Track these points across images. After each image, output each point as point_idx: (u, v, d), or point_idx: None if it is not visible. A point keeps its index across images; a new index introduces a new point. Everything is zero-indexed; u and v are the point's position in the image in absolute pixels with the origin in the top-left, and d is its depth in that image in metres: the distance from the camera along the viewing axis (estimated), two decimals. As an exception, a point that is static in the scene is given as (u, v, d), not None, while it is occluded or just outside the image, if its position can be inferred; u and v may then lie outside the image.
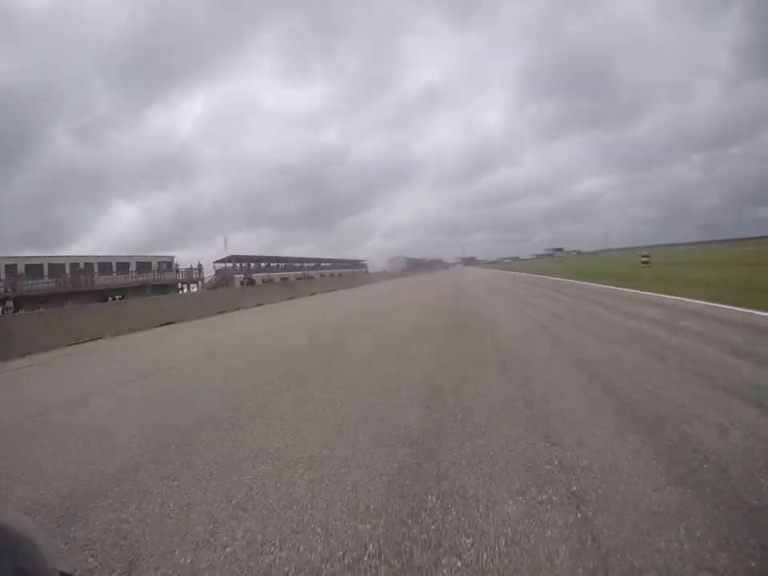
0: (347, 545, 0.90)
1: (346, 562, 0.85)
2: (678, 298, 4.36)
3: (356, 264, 55.25)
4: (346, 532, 0.95)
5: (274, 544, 0.93)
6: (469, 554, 0.83)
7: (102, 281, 18.13)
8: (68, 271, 17.07)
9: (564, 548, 0.83)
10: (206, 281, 24.15)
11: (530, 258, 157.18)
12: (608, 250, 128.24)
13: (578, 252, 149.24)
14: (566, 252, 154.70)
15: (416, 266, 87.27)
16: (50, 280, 16.36)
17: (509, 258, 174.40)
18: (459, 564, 0.81)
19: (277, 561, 0.87)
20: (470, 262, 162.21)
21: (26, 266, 16.50)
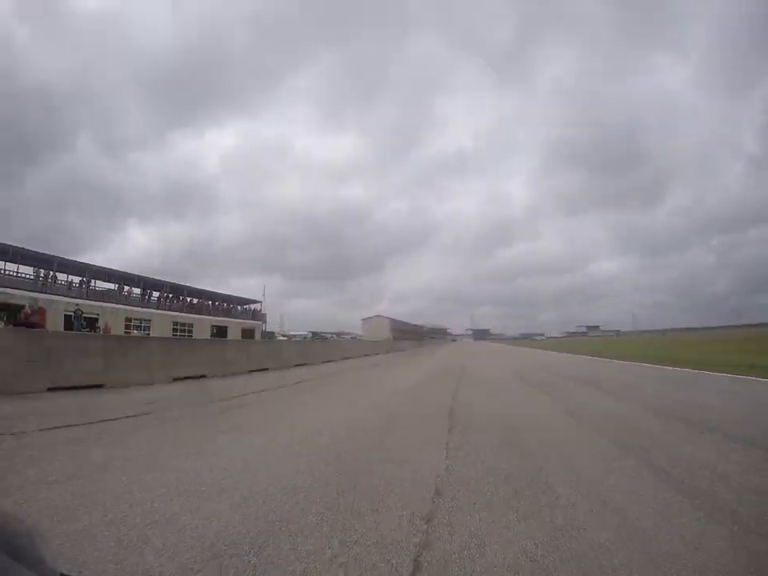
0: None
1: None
2: None
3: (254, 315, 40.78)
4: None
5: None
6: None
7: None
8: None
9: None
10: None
11: (559, 335, 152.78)
12: (639, 332, 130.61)
13: (618, 332, 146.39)
14: (602, 331, 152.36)
15: (408, 333, 78.29)
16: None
17: (535, 334, 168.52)
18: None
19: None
20: (482, 335, 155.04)
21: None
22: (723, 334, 44.20)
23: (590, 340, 61.20)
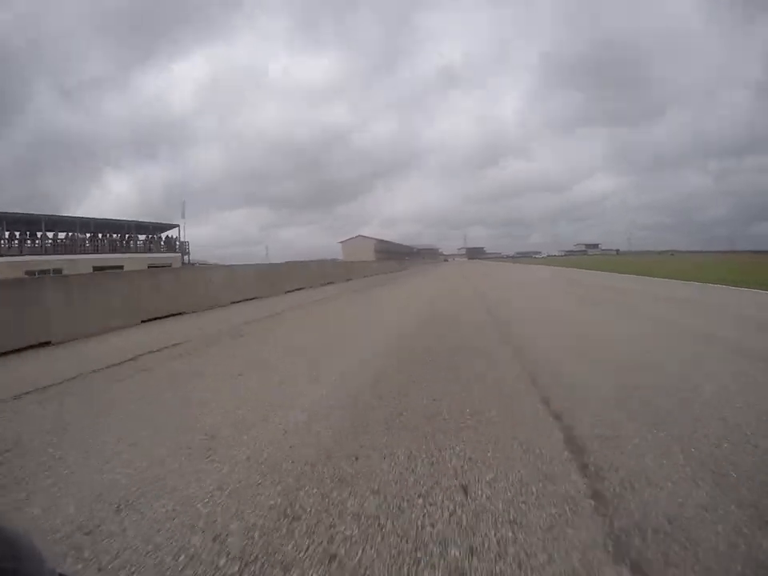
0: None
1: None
2: None
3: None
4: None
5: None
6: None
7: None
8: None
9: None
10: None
11: (558, 254, 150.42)
12: (639, 252, 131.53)
13: (617, 251, 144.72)
14: (602, 250, 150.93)
15: (395, 254, 72.02)
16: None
17: (531, 252, 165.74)
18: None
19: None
20: (476, 254, 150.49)
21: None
22: (730, 257, 44.87)
23: (597, 259, 57.42)
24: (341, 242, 73.64)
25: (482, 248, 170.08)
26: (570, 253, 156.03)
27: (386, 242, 79.91)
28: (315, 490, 1.41)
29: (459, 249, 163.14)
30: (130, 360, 3.59)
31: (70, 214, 25.28)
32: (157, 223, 28.00)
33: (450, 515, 1.25)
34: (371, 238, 73.17)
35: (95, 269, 18.84)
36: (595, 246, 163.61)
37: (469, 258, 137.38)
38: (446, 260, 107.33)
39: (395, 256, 64.81)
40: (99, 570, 1.08)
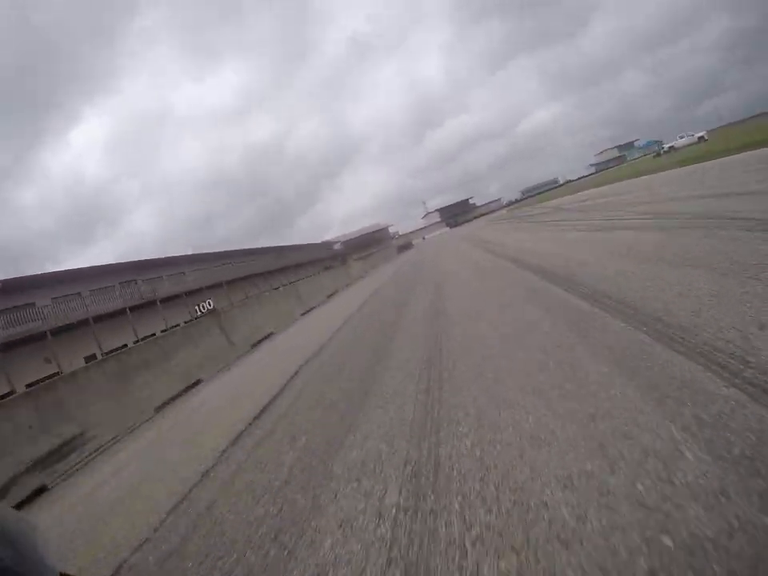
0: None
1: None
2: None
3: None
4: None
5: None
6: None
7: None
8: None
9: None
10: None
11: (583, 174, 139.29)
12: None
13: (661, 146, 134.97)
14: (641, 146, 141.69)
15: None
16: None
17: (544, 186, 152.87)
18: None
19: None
20: (457, 214, 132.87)
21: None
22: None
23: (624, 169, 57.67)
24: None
25: (468, 200, 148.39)
26: (598, 167, 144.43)
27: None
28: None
29: (427, 217, 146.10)
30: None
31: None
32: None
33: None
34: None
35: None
36: (630, 144, 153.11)
37: (450, 227, 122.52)
38: (405, 246, 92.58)
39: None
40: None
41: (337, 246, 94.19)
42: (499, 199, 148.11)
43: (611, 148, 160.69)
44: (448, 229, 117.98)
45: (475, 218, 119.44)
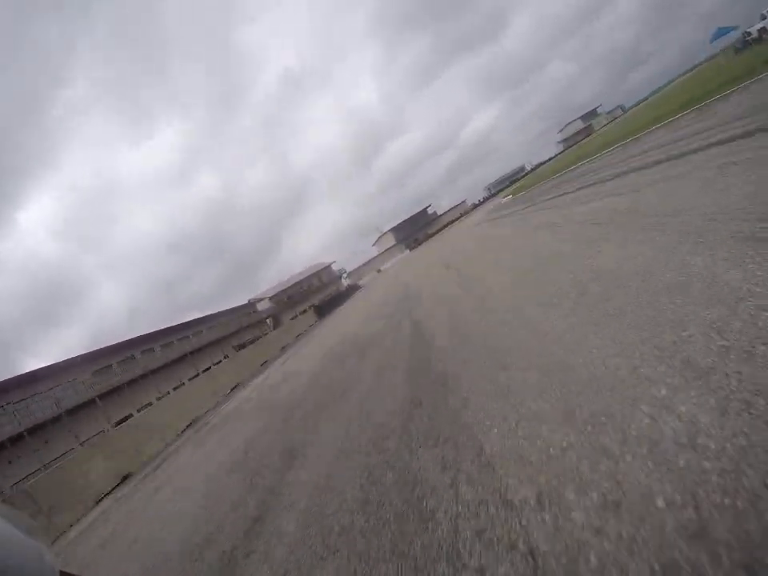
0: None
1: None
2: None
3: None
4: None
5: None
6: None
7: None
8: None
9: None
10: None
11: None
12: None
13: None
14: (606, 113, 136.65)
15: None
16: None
17: (510, 177, 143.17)
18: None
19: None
20: (415, 229, 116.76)
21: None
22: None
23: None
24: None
25: (427, 210, 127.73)
26: (567, 143, 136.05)
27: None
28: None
29: (379, 240, 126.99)
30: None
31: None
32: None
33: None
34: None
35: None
36: (594, 111, 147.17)
37: (410, 248, 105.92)
38: (332, 300, 74.74)
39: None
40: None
41: (263, 305, 77.48)
42: (464, 201, 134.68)
43: (574, 120, 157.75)
44: (408, 252, 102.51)
45: (440, 230, 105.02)
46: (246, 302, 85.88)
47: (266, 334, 63.60)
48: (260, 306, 77.48)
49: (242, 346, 49.49)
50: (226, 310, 65.58)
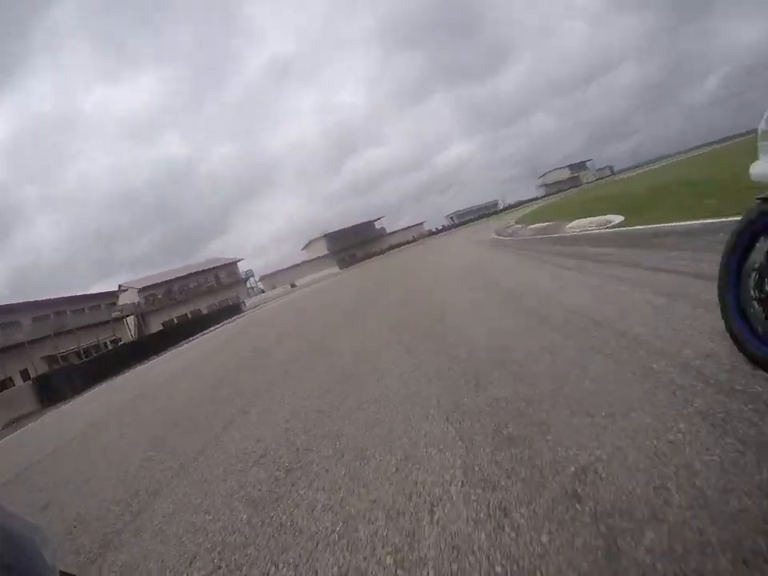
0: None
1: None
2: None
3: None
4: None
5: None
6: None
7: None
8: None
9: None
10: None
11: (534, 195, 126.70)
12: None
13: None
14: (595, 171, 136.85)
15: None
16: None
17: (481, 211, 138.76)
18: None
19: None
20: (364, 239, 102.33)
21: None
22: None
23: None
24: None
25: (374, 223, 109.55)
26: (548, 188, 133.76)
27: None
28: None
29: (310, 244, 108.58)
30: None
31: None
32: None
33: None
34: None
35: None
36: (583, 164, 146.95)
37: (341, 266, 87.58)
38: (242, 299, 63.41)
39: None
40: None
41: (129, 296, 61.80)
42: (422, 223, 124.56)
43: (560, 168, 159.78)
44: (338, 270, 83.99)
45: (385, 250, 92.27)
46: (117, 287, 70.36)
47: (119, 341, 48.87)
48: (125, 298, 61.79)
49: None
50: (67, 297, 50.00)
